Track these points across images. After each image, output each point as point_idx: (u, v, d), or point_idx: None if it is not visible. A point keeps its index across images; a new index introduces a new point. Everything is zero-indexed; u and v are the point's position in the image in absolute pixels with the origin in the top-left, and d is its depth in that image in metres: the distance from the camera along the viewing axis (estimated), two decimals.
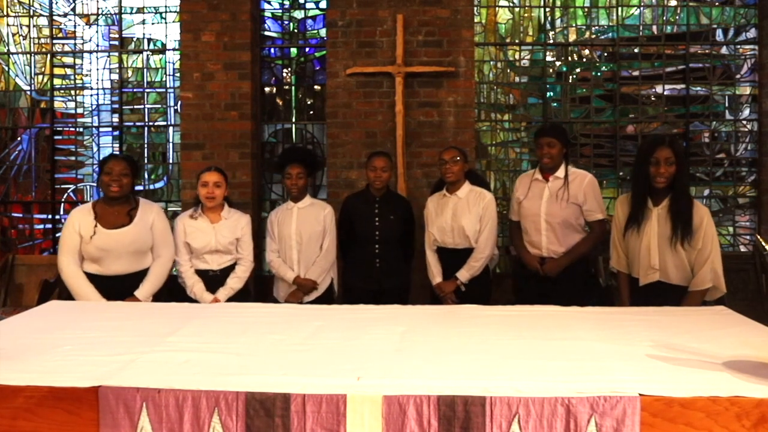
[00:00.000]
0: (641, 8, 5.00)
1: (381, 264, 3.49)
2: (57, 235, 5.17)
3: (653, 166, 2.75)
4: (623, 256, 2.95)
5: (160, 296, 3.12)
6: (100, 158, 3.40)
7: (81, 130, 5.18)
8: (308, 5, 5.04)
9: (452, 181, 3.42)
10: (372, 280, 3.48)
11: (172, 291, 3.27)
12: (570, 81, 5.01)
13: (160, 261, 3.14)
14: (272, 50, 5.07)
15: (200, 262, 3.27)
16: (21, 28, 5.22)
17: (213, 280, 3.26)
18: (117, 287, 2.98)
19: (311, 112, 5.10)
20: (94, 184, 5.14)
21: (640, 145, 3.10)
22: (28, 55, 5.20)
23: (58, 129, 5.18)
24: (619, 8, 4.98)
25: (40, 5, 5.18)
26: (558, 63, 5.05)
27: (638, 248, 2.83)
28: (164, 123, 5.12)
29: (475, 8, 4.81)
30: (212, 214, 3.29)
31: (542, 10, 4.99)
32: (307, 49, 5.06)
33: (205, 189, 3.24)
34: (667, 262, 2.77)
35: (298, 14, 5.05)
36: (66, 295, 3.14)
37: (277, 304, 3.35)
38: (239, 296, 3.27)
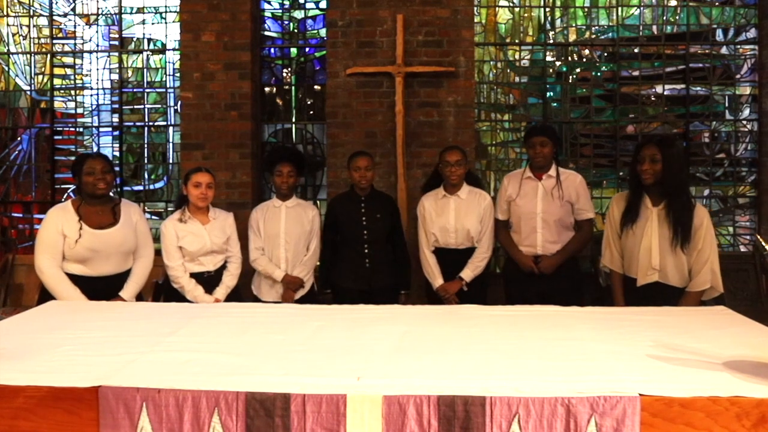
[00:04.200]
0: (641, 8, 5.00)
1: (371, 264, 3.49)
2: None
3: (639, 163, 2.80)
4: (618, 255, 2.95)
5: (160, 297, 3.11)
6: (74, 159, 3.31)
7: (81, 130, 5.18)
8: (308, 5, 5.04)
9: (456, 183, 3.42)
10: (362, 280, 3.48)
11: (173, 291, 3.26)
12: (570, 81, 5.01)
13: (142, 261, 3.10)
14: (272, 50, 5.07)
15: (195, 264, 3.25)
16: (21, 28, 5.22)
17: (209, 280, 3.26)
18: (102, 288, 2.93)
19: (311, 112, 5.10)
20: None
21: (636, 144, 3.15)
22: (28, 55, 5.20)
23: (58, 129, 5.19)
24: (619, 8, 4.98)
25: (40, 5, 5.18)
26: (558, 63, 5.05)
27: (637, 248, 2.83)
28: (164, 123, 5.12)
29: (475, 8, 4.81)
30: (201, 216, 3.29)
31: (542, 10, 4.99)
32: (307, 49, 5.07)
33: (199, 190, 3.22)
34: (667, 264, 2.78)
35: (298, 14, 5.05)
36: None
37: (274, 303, 3.36)
38: (231, 295, 3.29)
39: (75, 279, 2.93)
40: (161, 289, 3.51)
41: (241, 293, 3.47)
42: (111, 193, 3.11)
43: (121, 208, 3.07)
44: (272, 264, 3.47)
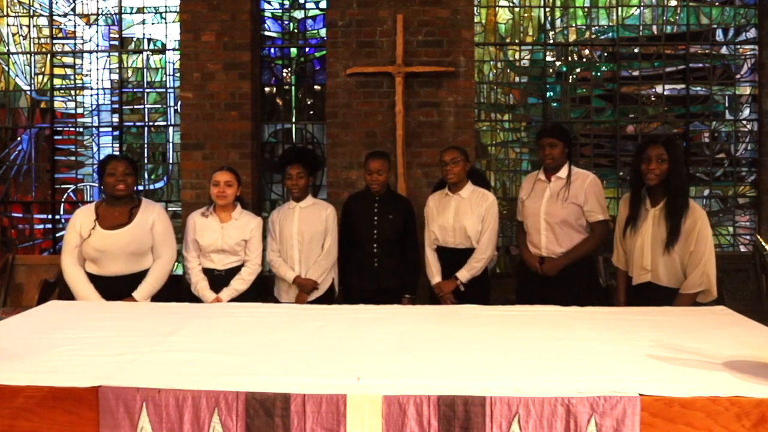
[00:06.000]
0: (641, 8, 5.00)
1: (380, 264, 3.47)
2: (57, 235, 5.17)
3: (645, 163, 2.76)
4: (623, 253, 2.97)
5: (160, 296, 3.11)
6: (99, 160, 3.36)
7: (81, 130, 5.18)
8: (308, 5, 5.04)
9: (454, 182, 3.42)
10: (371, 279, 3.47)
11: (173, 291, 3.26)
12: (570, 81, 5.01)
13: (159, 262, 3.12)
14: (272, 50, 5.07)
15: (206, 260, 3.28)
16: (21, 28, 5.22)
17: (218, 279, 3.26)
18: (115, 288, 2.98)
19: (311, 112, 5.10)
20: (95, 185, 5.14)
21: (637, 144, 3.10)
22: (28, 55, 5.20)
23: (58, 129, 5.19)
24: (619, 8, 4.98)
25: (40, 5, 5.18)
26: (558, 63, 5.05)
27: (633, 248, 2.85)
28: (164, 123, 5.12)
29: (475, 8, 4.81)
30: (223, 214, 3.30)
31: (542, 10, 4.99)
32: (307, 49, 5.07)
33: (217, 188, 3.26)
34: (659, 264, 2.77)
35: (298, 14, 5.06)
36: (66, 295, 3.14)
37: (277, 304, 3.36)
38: (242, 297, 3.26)
39: (91, 278, 3.02)
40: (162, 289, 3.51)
41: (253, 296, 3.43)
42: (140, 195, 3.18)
43: (140, 208, 3.10)
44: (286, 266, 3.45)
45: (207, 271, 3.28)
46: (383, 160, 3.50)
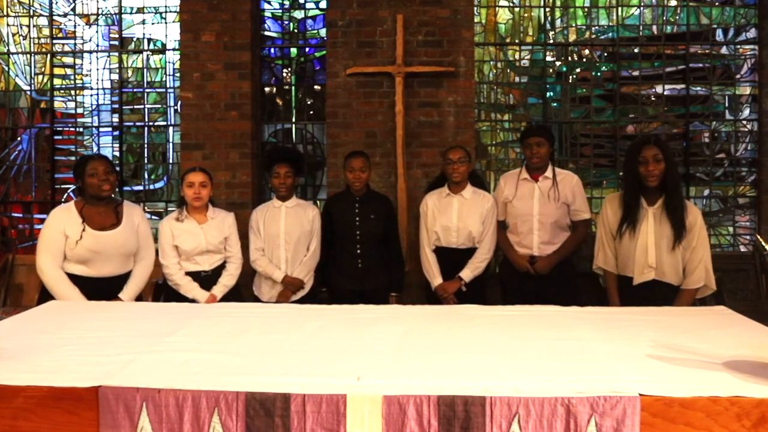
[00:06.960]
0: (641, 8, 5.00)
1: (363, 264, 3.48)
2: None
3: (642, 166, 2.79)
4: (611, 255, 2.97)
5: (160, 297, 3.11)
6: (76, 161, 3.29)
7: (81, 130, 5.18)
8: (308, 5, 5.03)
9: (458, 181, 3.42)
10: (354, 280, 3.48)
11: (173, 292, 3.26)
12: (570, 81, 5.01)
13: (143, 263, 3.12)
14: (272, 50, 5.07)
15: (191, 264, 3.25)
16: (21, 28, 5.22)
17: (205, 280, 3.26)
18: (102, 289, 2.94)
19: (311, 112, 5.09)
20: None
21: (627, 148, 3.12)
22: (28, 55, 5.20)
23: (58, 129, 5.18)
24: (619, 8, 4.98)
25: (40, 5, 5.18)
26: (558, 63, 5.04)
27: (633, 247, 2.85)
28: (164, 123, 5.12)
29: (475, 8, 4.81)
30: (198, 215, 3.28)
31: (542, 10, 4.99)
32: (307, 49, 5.06)
33: (192, 190, 3.23)
34: (663, 262, 2.81)
35: (298, 14, 5.05)
36: None
37: (274, 303, 3.36)
38: (231, 294, 3.28)
39: (76, 279, 2.94)
40: (161, 289, 3.51)
41: (242, 293, 3.46)
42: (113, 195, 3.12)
43: (124, 209, 3.09)
44: (272, 265, 3.46)
45: (192, 274, 3.25)
46: (364, 158, 3.53)
